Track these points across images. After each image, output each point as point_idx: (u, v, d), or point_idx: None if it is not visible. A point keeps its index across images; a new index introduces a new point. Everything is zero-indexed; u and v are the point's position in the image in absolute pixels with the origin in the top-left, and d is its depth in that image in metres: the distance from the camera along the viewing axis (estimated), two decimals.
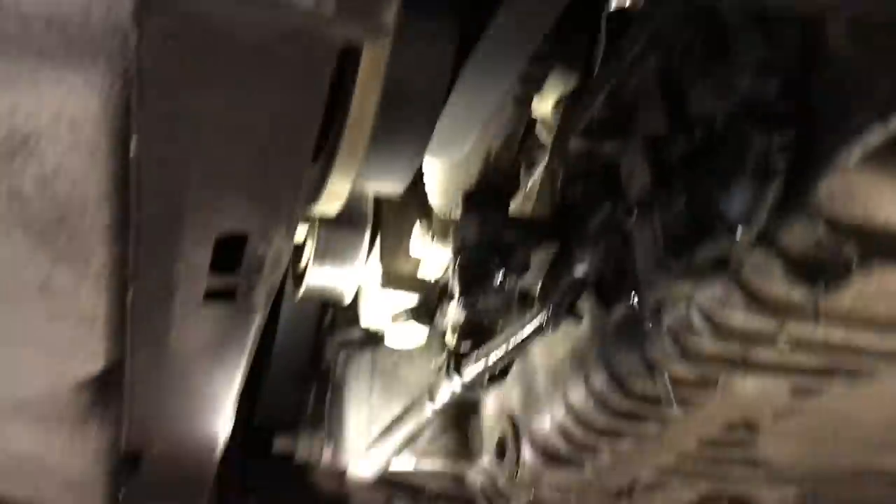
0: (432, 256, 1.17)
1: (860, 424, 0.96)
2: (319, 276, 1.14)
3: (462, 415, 1.21)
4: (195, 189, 0.69)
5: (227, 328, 0.89)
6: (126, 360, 0.97)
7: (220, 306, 0.86)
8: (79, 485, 1.34)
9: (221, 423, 1.12)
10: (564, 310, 0.91)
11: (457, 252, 0.93)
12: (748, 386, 0.84)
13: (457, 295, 0.91)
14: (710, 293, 0.74)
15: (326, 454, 1.37)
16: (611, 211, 0.81)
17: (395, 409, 1.29)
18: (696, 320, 0.77)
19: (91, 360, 0.98)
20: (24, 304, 0.85)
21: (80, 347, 0.94)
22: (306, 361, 1.50)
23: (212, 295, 0.85)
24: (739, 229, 0.64)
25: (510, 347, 1.02)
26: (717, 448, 1.00)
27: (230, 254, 0.83)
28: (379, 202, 1.17)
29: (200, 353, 0.94)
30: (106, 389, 1.14)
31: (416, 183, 1.08)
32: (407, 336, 1.25)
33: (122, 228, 0.76)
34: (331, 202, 0.92)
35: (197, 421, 1.10)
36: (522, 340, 0.99)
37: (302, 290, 1.18)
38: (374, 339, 1.34)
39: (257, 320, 0.89)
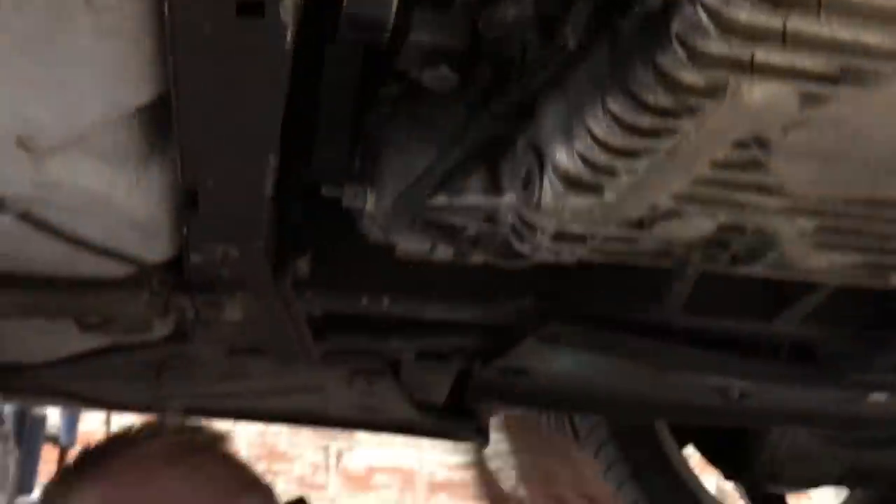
0: None
1: (871, 144, 0.98)
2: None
3: (494, 152, 1.27)
4: None
5: (261, 45, 0.94)
6: (171, 87, 1.04)
7: (252, 22, 0.91)
8: (145, 225, 1.46)
9: (267, 154, 1.20)
10: (584, 27, 0.93)
11: None
12: (756, 94, 0.87)
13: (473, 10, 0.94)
14: None
15: (370, 201, 1.46)
16: None
17: (432, 154, 1.36)
18: (703, 20, 0.79)
19: (141, 85, 1.05)
20: (72, 19, 0.91)
21: (129, 70, 1.01)
22: (351, 117, 1.56)
23: (242, 10, 0.90)
24: None
25: (537, 77, 1.05)
26: (730, 171, 1.04)
27: None
28: None
29: (239, 74, 1.00)
30: (162, 128, 1.23)
31: None
32: (441, 80, 1.29)
33: None
34: None
35: (244, 151, 1.18)
36: (546, 67, 1.02)
37: (340, 26, 1.21)
38: (412, 91, 1.39)
39: (288, 37, 0.94)
